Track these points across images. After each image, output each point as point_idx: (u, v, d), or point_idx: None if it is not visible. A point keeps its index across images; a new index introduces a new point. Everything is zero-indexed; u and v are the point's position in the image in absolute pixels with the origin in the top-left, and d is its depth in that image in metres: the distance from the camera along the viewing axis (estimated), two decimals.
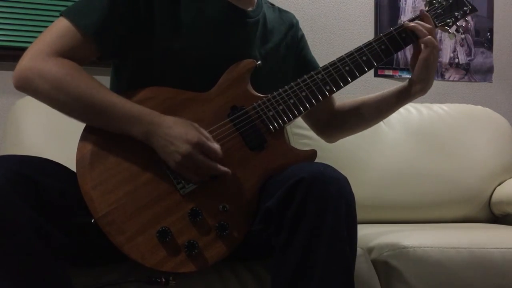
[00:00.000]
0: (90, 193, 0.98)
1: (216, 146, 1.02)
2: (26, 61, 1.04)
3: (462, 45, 2.40)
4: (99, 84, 1.04)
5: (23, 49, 1.07)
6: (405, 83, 1.25)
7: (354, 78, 1.18)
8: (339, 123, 1.36)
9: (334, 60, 1.17)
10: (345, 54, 1.18)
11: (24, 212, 0.86)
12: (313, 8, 2.25)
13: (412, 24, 1.19)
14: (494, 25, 2.43)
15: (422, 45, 1.17)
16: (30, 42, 1.08)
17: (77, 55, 1.06)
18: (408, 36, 1.20)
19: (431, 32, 1.18)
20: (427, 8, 1.25)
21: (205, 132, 1.03)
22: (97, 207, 0.97)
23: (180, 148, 0.99)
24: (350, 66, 1.17)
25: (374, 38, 1.21)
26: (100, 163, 1.01)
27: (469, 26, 2.41)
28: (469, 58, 2.41)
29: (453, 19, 1.26)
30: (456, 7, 1.27)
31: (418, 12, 1.25)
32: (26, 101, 1.65)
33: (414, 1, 2.32)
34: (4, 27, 1.91)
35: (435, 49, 1.16)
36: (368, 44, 1.19)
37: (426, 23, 1.19)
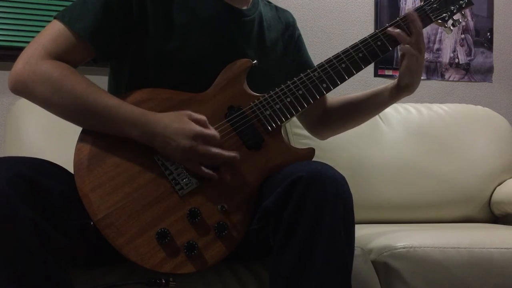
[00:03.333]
0: (89, 196, 0.98)
1: (213, 131, 1.02)
2: (20, 65, 1.04)
3: (462, 45, 2.40)
4: (95, 86, 1.04)
5: (23, 49, 1.07)
6: (393, 82, 1.26)
7: (350, 75, 1.17)
8: (330, 120, 1.36)
9: (330, 58, 1.17)
10: (341, 51, 1.18)
11: (24, 213, 0.86)
12: (313, 9, 2.25)
13: (395, 31, 1.18)
14: (494, 25, 2.43)
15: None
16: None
17: (71, 57, 1.06)
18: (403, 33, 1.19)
19: (418, 36, 1.16)
20: (422, 3, 1.25)
21: (199, 116, 1.03)
22: (96, 210, 0.97)
23: (181, 143, 1.00)
24: (346, 63, 1.17)
25: (370, 34, 1.20)
26: (98, 165, 1.01)
27: (469, 26, 2.40)
28: (469, 58, 2.41)
29: (449, 13, 1.26)
30: (451, 1, 1.26)
31: None
32: (26, 101, 1.63)
33: (414, 1, 2.32)
34: (4, 27, 1.91)
35: (414, 57, 1.16)
36: (364, 41, 1.19)
37: (412, 26, 1.17)
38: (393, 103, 1.28)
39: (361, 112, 1.33)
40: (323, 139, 1.43)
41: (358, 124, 1.37)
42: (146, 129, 1.01)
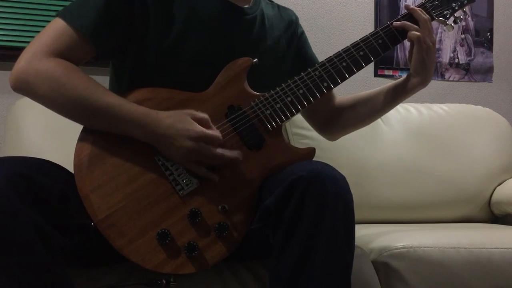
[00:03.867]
0: (89, 197, 0.98)
1: (215, 131, 1.02)
2: (23, 63, 1.03)
3: (462, 45, 2.40)
4: (97, 85, 1.04)
5: (23, 49, 1.07)
6: (405, 77, 1.25)
7: (351, 73, 1.17)
8: (339, 120, 1.35)
9: (331, 56, 1.17)
10: (342, 50, 1.18)
11: (24, 213, 0.86)
12: (313, 8, 2.25)
13: (401, 22, 1.19)
14: (494, 25, 2.43)
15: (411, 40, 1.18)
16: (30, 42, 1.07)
17: (73, 55, 1.06)
18: (405, 30, 1.19)
19: (424, 24, 1.17)
20: (424, 0, 1.25)
21: (201, 115, 1.03)
22: (97, 211, 0.97)
23: (184, 144, 1.00)
24: (347, 62, 1.17)
25: (371, 32, 1.20)
26: (98, 166, 1.01)
27: (469, 26, 2.40)
28: (469, 58, 2.41)
29: (450, 10, 1.26)
30: None
31: None
32: (26, 101, 1.64)
33: (414, 1, 2.32)
34: (4, 27, 1.91)
35: (423, 43, 1.16)
36: (365, 39, 1.19)
37: (416, 16, 1.18)
38: (404, 99, 1.26)
39: (373, 109, 1.31)
40: (333, 140, 1.42)
41: (368, 123, 1.35)
42: (149, 129, 1.01)
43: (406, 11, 1.22)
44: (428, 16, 1.19)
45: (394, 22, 1.20)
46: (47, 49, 1.04)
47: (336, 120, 1.35)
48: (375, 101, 1.29)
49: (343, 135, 1.40)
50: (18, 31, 1.92)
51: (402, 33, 1.20)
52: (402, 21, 1.19)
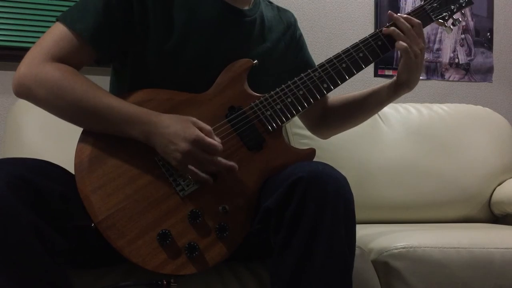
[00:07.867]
0: (90, 197, 0.98)
1: (215, 141, 1.01)
2: (23, 68, 1.04)
3: (462, 45, 2.40)
4: (97, 87, 1.04)
5: (23, 49, 1.07)
6: (393, 79, 1.25)
7: (351, 75, 1.17)
8: (331, 119, 1.36)
9: (331, 57, 1.17)
10: (341, 51, 1.18)
11: (24, 215, 0.86)
12: (313, 8, 2.25)
13: (389, 29, 1.18)
14: (494, 25, 2.43)
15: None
16: (30, 42, 1.08)
17: (74, 59, 1.06)
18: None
19: (409, 33, 1.16)
20: (422, 2, 1.25)
21: (205, 125, 1.02)
22: (97, 211, 0.97)
23: (180, 146, 0.99)
24: (347, 63, 1.17)
25: (371, 34, 1.20)
26: (99, 166, 1.01)
27: (469, 26, 2.40)
28: (469, 58, 2.41)
29: (449, 12, 1.26)
30: (451, 0, 1.26)
31: None
32: (26, 102, 1.65)
33: (414, 1, 2.32)
34: (4, 27, 1.91)
35: (409, 54, 1.16)
36: (364, 40, 1.19)
37: (400, 26, 1.18)
38: (393, 100, 1.27)
39: (362, 110, 1.32)
40: (325, 139, 1.43)
41: (359, 122, 1.37)
42: (147, 129, 1.01)
43: (406, 11, 1.22)
44: (416, 21, 1.18)
45: (384, 29, 1.19)
46: (47, 54, 1.04)
47: (328, 120, 1.36)
48: (366, 102, 1.30)
49: (335, 134, 1.41)
50: (18, 31, 1.91)
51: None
52: (391, 29, 1.18)
